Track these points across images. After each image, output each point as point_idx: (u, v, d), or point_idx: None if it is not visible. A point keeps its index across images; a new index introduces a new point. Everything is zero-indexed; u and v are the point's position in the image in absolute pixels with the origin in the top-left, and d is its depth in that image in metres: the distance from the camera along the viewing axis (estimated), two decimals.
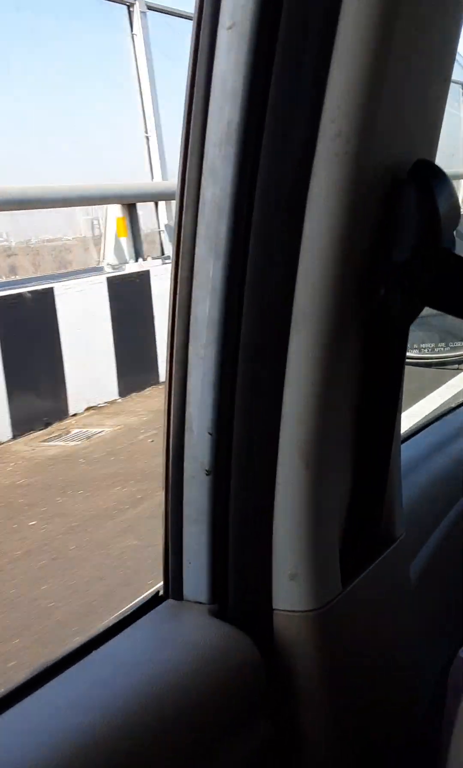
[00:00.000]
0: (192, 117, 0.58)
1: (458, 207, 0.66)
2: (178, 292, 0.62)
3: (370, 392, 0.69)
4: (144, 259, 6.65)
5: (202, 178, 0.59)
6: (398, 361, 0.70)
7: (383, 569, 0.76)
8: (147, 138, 7.40)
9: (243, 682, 0.64)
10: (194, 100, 0.58)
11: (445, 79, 0.65)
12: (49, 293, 5.34)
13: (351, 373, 0.66)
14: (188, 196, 0.60)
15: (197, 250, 0.60)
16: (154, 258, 6.80)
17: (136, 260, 6.59)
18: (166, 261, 6.53)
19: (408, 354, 1.81)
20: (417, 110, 0.62)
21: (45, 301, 5.29)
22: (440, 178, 0.63)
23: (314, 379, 0.62)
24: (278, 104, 0.56)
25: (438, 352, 1.77)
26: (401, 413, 0.77)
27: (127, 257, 6.58)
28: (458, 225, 0.67)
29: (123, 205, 6.52)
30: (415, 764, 0.81)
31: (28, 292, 5.27)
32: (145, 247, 6.87)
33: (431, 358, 1.79)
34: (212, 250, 0.60)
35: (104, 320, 5.71)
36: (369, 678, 0.75)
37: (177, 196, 0.61)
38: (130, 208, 6.63)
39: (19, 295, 5.18)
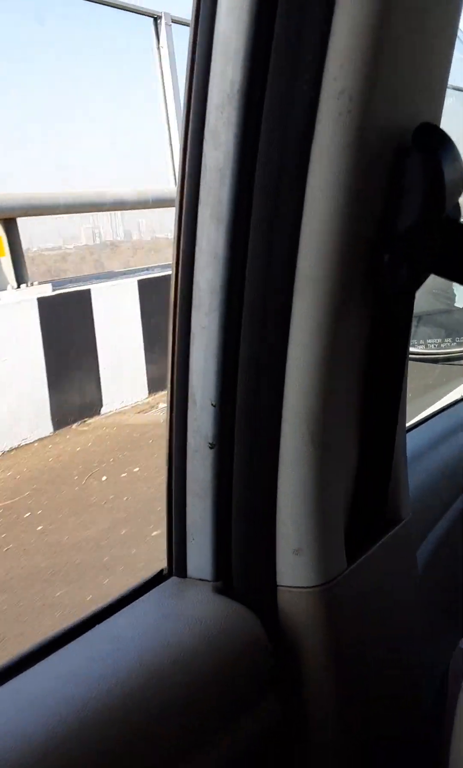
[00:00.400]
0: (193, 79, 0.57)
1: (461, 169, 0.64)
2: (180, 259, 0.61)
3: (375, 363, 0.68)
4: (28, 285, 5.31)
5: (204, 142, 0.58)
6: (404, 331, 0.69)
7: (388, 549, 0.74)
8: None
9: (248, 659, 0.62)
10: (196, 62, 0.57)
11: (449, 41, 0.64)
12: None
13: (356, 343, 0.65)
14: (190, 161, 0.59)
15: (199, 216, 0.59)
16: (41, 283, 5.42)
17: (18, 285, 5.28)
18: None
19: (415, 350, 1.81)
20: (421, 71, 0.61)
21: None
22: (444, 142, 0.62)
23: (318, 348, 0.61)
24: (280, 63, 0.55)
25: (445, 348, 1.76)
26: (406, 389, 0.75)
27: (8, 281, 5.31)
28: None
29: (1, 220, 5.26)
30: (420, 748, 0.80)
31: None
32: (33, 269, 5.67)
33: (438, 354, 1.78)
34: (214, 216, 0.59)
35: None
36: (375, 658, 0.73)
37: (179, 162, 0.60)
38: (8, 224, 5.39)
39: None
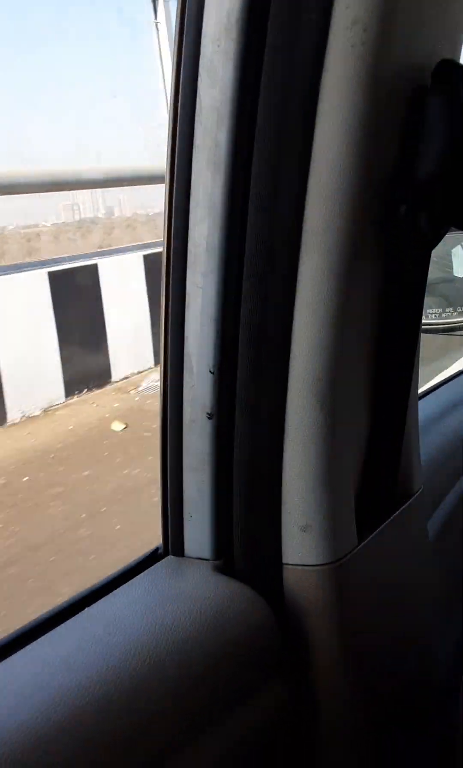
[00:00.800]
0: (186, 8, 0.52)
1: None
2: (173, 212, 0.56)
3: (388, 327, 0.63)
4: None
5: (199, 79, 0.52)
6: (418, 292, 0.64)
7: (400, 524, 0.70)
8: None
9: (252, 641, 0.58)
10: None
11: None
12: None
13: (368, 304, 0.60)
14: (183, 100, 0.53)
15: (194, 162, 0.54)
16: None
17: None
18: None
19: None
20: (440, 3, 0.56)
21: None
22: None
23: (327, 309, 0.55)
24: None
25: (446, 318, 1.72)
26: (419, 356, 0.71)
27: None
28: None
29: None
30: (432, 729, 0.76)
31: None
32: None
33: (439, 324, 1.73)
34: (211, 162, 0.53)
35: None
36: (387, 635, 0.69)
37: (170, 101, 0.54)
38: None
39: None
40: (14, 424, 4.61)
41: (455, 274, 1.89)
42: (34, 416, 4.71)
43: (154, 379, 5.18)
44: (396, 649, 0.71)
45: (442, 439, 0.97)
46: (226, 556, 0.61)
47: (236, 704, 0.56)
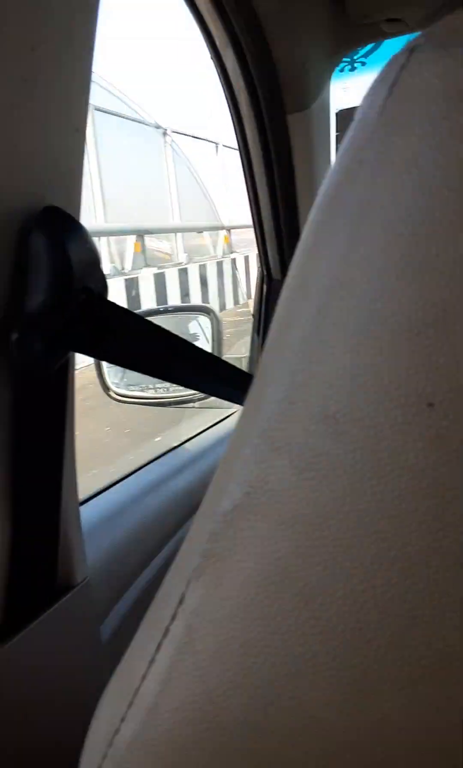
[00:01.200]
0: None
1: (94, 250, 0.67)
2: None
3: (26, 439, 0.68)
4: None
5: None
6: (58, 404, 0.70)
7: (58, 620, 0.74)
8: None
9: None
10: None
11: (77, 130, 0.67)
12: None
13: (2, 422, 0.65)
14: None
15: None
16: None
17: None
18: None
19: (147, 394, 1.84)
20: (46, 159, 0.64)
21: None
22: (69, 223, 0.65)
23: None
24: None
25: (173, 392, 1.84)
26: (73, 461, 0.76)
27: None
28: (99, 266, 0.68)
29: None
30: None
31: None
32: None
33: (168, 398, 1.85)
34: None
35: None
36: (50, 742, 0.72)
37: None
38: None
39: None
40: None
41: None
42: None
43: None
44: (63, 759, 0.73)
45: (129, 530, 1.03)
46: None
47: None
